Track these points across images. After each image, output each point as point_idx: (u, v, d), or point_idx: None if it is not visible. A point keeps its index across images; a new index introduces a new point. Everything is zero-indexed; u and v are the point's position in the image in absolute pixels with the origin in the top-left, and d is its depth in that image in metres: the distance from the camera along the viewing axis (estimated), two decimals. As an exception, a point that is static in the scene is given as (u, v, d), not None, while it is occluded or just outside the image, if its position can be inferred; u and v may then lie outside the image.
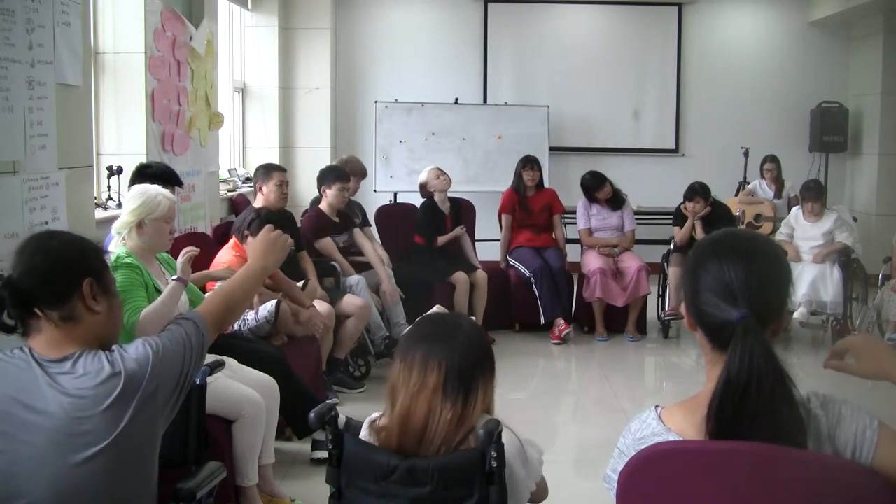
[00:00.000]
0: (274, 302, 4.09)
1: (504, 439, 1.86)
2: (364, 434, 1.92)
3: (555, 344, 6.08)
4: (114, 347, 1.77)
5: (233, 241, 4.34)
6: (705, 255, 1.50)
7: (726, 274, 1.43)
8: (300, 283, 4.60)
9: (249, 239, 4.17)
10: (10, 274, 1.73)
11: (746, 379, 1.35)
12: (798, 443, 1.36)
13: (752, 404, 1.34)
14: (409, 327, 2.02)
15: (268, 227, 2.30)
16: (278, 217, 4.42)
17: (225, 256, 4.26)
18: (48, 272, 1.73)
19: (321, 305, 4.56)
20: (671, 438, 1.46)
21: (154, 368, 1.74)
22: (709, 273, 1.46)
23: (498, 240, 6.67)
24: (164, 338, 1.82)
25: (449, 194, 6.32)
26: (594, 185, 6.41)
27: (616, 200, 6.45)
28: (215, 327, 1.98)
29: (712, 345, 1.47)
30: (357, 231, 5.54)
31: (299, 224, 5.38)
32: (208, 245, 4.58)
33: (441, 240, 6.12)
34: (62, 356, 1.71)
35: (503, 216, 6.54)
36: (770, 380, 1.35)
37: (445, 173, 6.26)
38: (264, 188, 4.92)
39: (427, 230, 6.16)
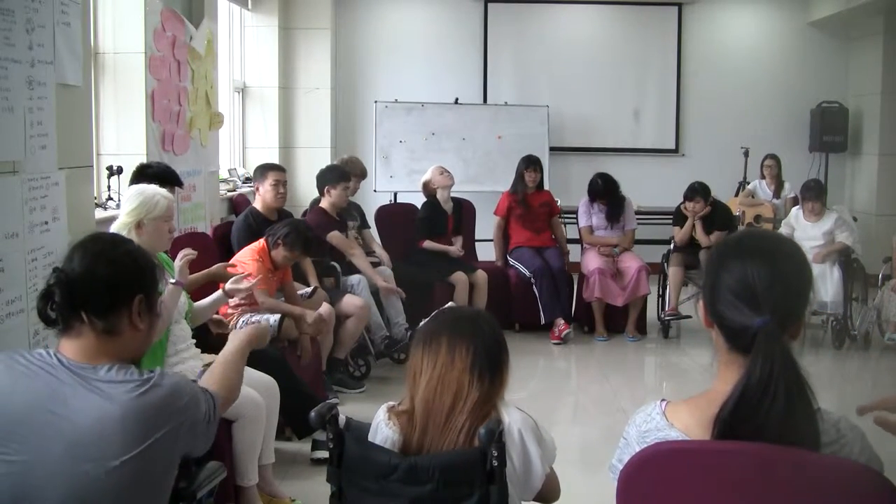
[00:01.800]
0: (277, 317, 4.08)
1: (517, 417, 1.89)
2: (382, 418, 1.92)
3: (555, 344, 6.08)
4: (154, 371, 1.74)
5: (259, 243, 4.33)
6: (728, 253, 1.47)
7: (750, 275, 1.40)
8: (309, 290, 4.61)
9: (280, 249, 4.24)
10: (64, 269, 1.70)
11: (766, 387, 1.33)
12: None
13: (766, 412, 1.33)
14: (426, 320, 2.02)
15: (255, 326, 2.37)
16: (310, 231, 4.45)
17: (245, 257, 4.25)
18: (106, 282, 1.71)
19: (322, 307, 4.56)
20: (674, 435, 1.45)
21: (190, 399, 1.74)
22: (731, 273, 1.43)
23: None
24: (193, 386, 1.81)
25: (451, 194, 6.32)
26: (601, 193, 6.37)
27: (616, 206, 6.43)
28: (222, 409, 1.98)
29: (729, 345, 1.45)
30: (366, 232, 5.57)
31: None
32: (208, 245, 4.58)
33: (428, 244, 6.11)
34: (90, 364, 1.68)
35: (497, 218, 6.54)
36: (790, 389, 1.33)
37: (449, 171, 6.26)
38: (261, 188, 4.91)
39: (423, 229, 6.15)
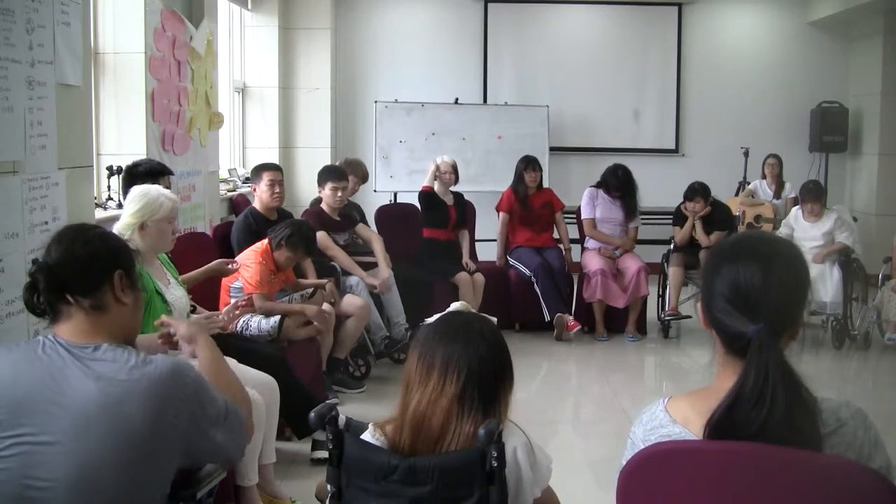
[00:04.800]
0: (278, 318, 4.09)
1: (514, 438, 1.85)
2: (369, 430, 1.90)
3: (574, 333, 6.08)
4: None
5: (262, 244, 4.32)
6: (723, 258, 1.46)
7: (743, 281, 1.40)
8: (308, 291, 4.60)
9: (283, 250, 4.26)
10: (44, 259, 1.79)
11: (759, 396, 1.33)
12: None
13: (765, 418, 1.33)
14: (433, 318, 1.95)
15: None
16: (312, 231, 4.45)
17: (248, 259, 4.25)
18: (85, 260, 1.79)
19: (322, 306, 4.56)
20: (676, 430, 1.46)
21: (195, 380, 1.78)
22: (724, 279, 1.43)
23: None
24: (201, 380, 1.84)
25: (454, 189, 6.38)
26: (620, 186, 6.34)
27: (632, 199, 6.40)
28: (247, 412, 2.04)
29: (726, 349, 1.45)
30: (361, 226, 5.51)
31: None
32: (208, 245, 4.58)
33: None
34: (88, 343, 1.74)
35: (500, 214, 6.54)
36: (787, 396, 1.33)
37: (456, 173, 6.26)
38: (257, 188, 4.90)
39: (427, 217, 6.22)
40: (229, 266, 3.96)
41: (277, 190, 4.87)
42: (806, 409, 1.35)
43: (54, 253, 1.78)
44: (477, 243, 6.85)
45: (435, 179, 6.23)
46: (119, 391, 1.67)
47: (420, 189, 6.30)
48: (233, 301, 4.12)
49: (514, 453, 1.84)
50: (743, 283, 1.40)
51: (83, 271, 1.78)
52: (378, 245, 5.45)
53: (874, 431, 1.41)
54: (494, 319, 2.02)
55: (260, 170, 4.96)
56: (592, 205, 6.43)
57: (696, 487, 1.39)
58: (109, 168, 4.59)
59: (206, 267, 3.87)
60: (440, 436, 1.80)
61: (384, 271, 5.32)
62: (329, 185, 5.23)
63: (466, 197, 6.77)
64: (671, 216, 6.59)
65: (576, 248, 6.72)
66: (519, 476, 1.85)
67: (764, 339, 1.35)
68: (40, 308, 1.79)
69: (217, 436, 1.83)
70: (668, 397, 1.53)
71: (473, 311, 2.03)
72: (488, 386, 1.84)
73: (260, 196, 4.89)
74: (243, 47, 7.85)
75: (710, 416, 1.37)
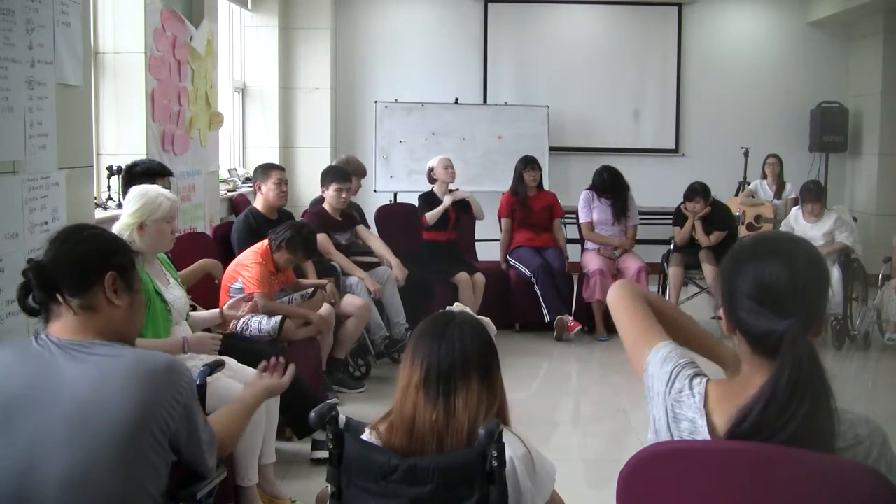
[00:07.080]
0: (278, 318, 4.09)
1: (510, 448, 1.84)
2: (367, 434, 1.92)
3: (575, 333, 6.08)
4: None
5: (262, 245, 4.33)
6: (742, 258, 1.45)
7: (768, 279, 1.39)
8: (308, 291, 4.61)
9: (283, 251, 4.27)
10: (39, 259, 1.80)
11: (792, 393, 1.32)
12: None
13: (791, 416, 1.32)
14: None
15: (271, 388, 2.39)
16: (313, 233, 4.46)
17: (248, 259, 4.25)
18: (74, 260, 1.79)
19: (323, 307, 4.56)
20: (699, 423, 1.43)
21: (188, 380, 1.79)
22: (747, 279, 1.41)
23: (498, 240, 6.68)
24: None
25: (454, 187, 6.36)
26: (607, 188, 6.34)
27: (623, 200, 6.40)
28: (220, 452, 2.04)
29: (752, 350, 1.43)
30: (361, 227, 5.52)
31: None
32: (208, 245, 4.58)
33: (429, 216, 6.12)
34: (82, 340, 1.75)
35: (502, 220, 6.54)
36: (816, 392, 1.32)
37: (453, 168, 6.27)
38: (263, 187, 4.91)
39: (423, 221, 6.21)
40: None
41: (284, 189, 4.94)
42: (829, 408, 1.34)
43: (49, 252, 1.79)
44: (477, 243, 6.86)
45: (433, 181, 6.24)
46: (114, 383, 1.68)
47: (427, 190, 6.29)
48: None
49: (511, 463, 1.83)
50: (768, 279, 1.39)
51: (73, 271, 1.78)
52: (378, 244, 5.47)
53: (891, 453, 1.40)
54: (488, 320, 2.02)
55: (268, 168, 4.99)
56: (589, 208, 6.44)
57: (697, 487, 1.39)
58: (109, 168, 4.59)
59: (198, 263, 3.86)
60: (412, 424, 1.83)
61: (399, 271, 5.38)
62: (333, 186, 5.24)
63: (466, 197, 6.77)
64: (671, 216, 6.59)
65: (576, 248, 6.73)
66: (517, 488, 1.84)
67: (796, 335, 1.34)
68: (34, 308, 1.79)
69: (203, 438, 1.86)
70: (707, 381, 1.48)
71: (470, 312, 2.03)
72: (446, 378, 1.84)
73: (266, 194, 4.90)
74: (243, 47, 7.85)
75: (740, 416, 1.35)
